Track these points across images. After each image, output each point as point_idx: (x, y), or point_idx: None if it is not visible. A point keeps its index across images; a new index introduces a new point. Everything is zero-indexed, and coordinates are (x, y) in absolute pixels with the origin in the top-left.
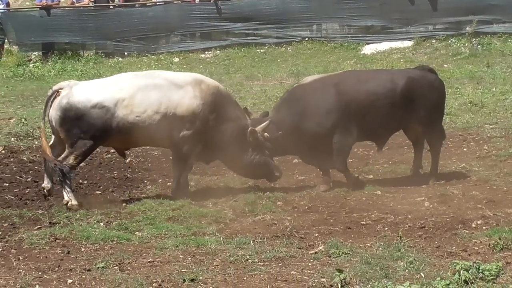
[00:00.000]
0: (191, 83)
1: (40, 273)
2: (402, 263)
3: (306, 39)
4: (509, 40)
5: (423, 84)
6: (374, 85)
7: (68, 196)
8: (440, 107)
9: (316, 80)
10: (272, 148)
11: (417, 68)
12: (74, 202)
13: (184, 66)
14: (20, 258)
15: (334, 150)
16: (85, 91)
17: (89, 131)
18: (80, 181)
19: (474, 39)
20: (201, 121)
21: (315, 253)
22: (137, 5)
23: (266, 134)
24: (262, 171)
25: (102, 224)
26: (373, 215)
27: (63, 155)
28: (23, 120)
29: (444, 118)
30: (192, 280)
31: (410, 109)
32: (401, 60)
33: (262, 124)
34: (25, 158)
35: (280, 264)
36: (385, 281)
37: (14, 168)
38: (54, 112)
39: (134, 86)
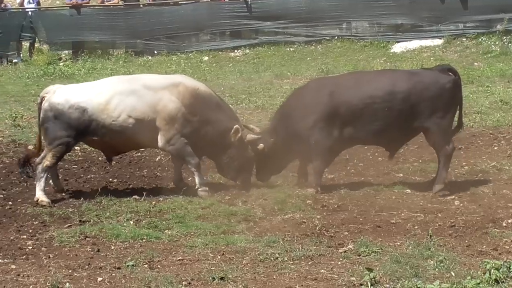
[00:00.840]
0: (168, 87)
1: (70, 271)
2: (432, 262)
3: (336, 37)
4: None
5: (430, 86)
6: (371, 88)
7: (39, 194)
8: (449, 110)
9: (311, 82)
10: (277, 157)
11: (435, 68)
12: (44, 199)
13: (214, 64)
14: (51, 256)
15: (312, 150)
16: (65, 94)
17: (66, 131)
18: (110, 179)
19: (504, 37)
20: (180, 123)
21: (345, 251)
22: (171, 3)
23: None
24: (237, 175)
25: (132, 222)
26: (403, 214)
27: (42, 154)
28: None
29: (474, 117)
30: (222, 278)
31: (414, 112)
32: (431, 58)
33: (252, 136)
34: None
35: (309, 263)
36: (415, 280)
37: None
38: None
39: (112, 91)
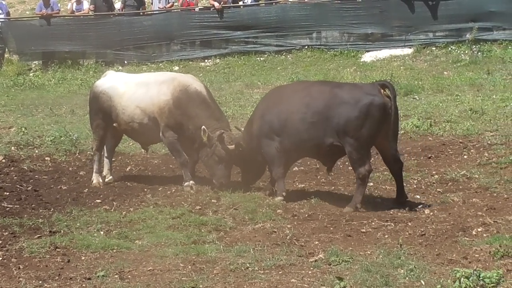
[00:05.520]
0: (167, 81)
1: (40, 281)
2: (402, 270)
3: (306, 47)
4: (509, 47)
5: (345, 102)
6: (293, 99)
7: (93, 177)
8: (362, 130)
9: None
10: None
11: (372, 83)
12: (95, 181)
13: None
14: (21, 267)
15: (265, 158)
16: (104, 79)
17: (98, 113)
18: (80, 189)
19: (474, 46)
20: (166, 115)
21: (315, 261)
22: (141, 14)
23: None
24: (213, 174)
25: (102, 232)
26: (373, 223)
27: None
28: (23, 129)
29: (444, 125)
30: None
31: (329, 128)
32: (401, 67)
33: (220, 132)
34: (25, 167)
35: (280, 272)
36: None
37: (15, 177)
38: None
39: (132, 81)
